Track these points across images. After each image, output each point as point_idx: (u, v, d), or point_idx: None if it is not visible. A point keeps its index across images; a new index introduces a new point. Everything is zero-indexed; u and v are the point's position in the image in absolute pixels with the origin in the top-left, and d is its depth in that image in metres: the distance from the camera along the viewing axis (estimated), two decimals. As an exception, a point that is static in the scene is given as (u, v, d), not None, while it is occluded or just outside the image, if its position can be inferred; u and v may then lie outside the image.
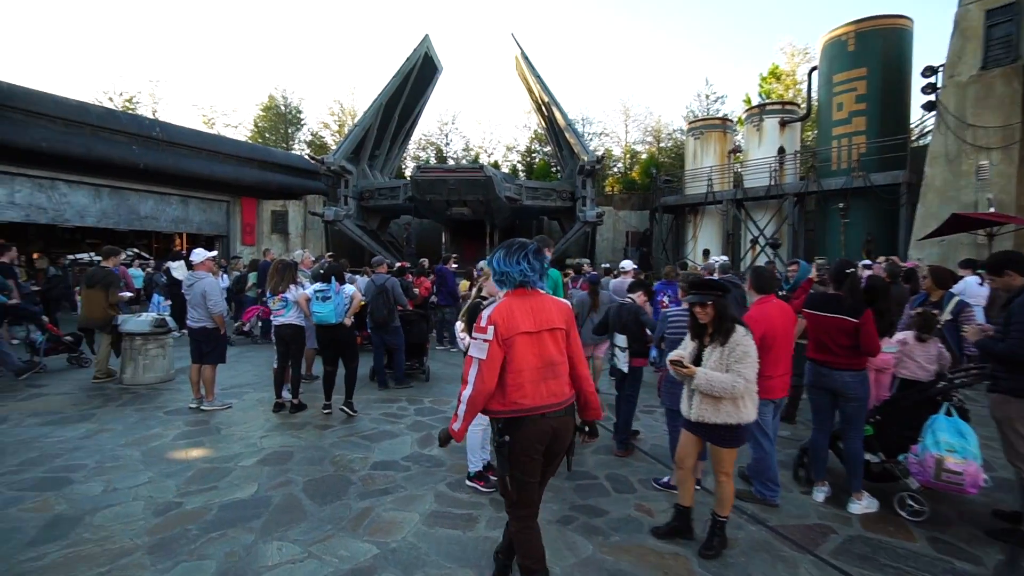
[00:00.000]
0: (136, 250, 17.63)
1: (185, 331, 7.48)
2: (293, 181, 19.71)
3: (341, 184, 19.15)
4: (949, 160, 12.72)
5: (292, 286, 5.45)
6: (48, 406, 5.52)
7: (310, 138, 29.97)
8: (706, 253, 19.92)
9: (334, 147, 29.69)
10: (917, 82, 13.89)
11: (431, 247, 22.01)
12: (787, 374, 3.64)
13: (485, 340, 2.20)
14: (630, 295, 4.71)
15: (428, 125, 32.74)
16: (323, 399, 5.46)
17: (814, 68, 17.05)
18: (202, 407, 5.48)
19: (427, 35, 21.60)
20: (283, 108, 29.08)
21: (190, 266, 5.58)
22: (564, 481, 3.96)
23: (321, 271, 7.79)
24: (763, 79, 27.33)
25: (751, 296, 3.74)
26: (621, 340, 4.48)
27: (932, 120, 15.61)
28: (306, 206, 20.17)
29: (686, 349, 3.14)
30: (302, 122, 29.99)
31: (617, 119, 40.14)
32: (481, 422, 3.70)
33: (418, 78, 21.84)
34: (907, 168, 14.06)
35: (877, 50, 14.90)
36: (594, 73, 56.45)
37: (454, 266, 9.71)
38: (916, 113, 16.35)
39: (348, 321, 5.36)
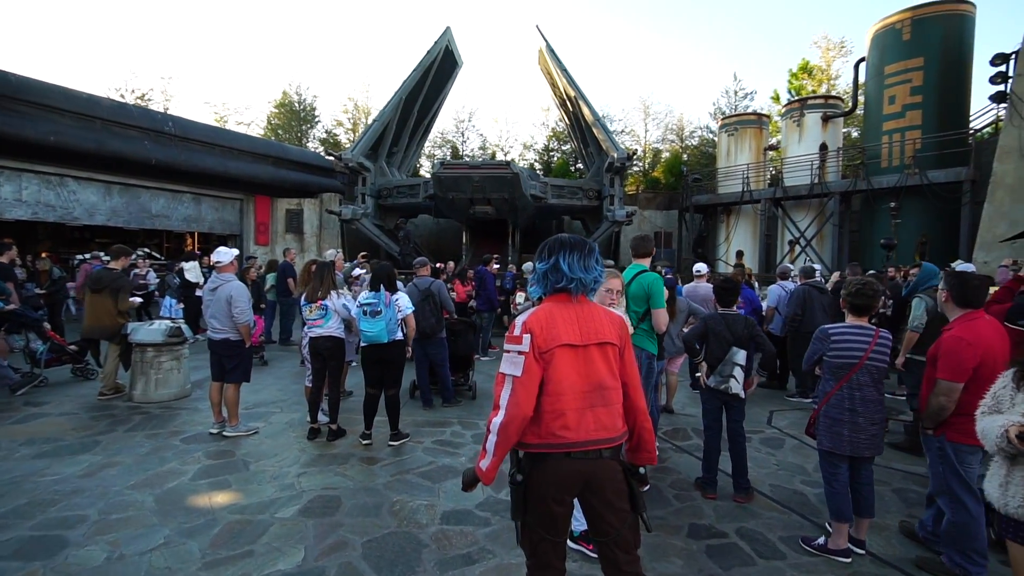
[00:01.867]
0: (147, 250, 16.96)
1: (199, 336, 6.59)
2: (308, 179, 18.95)
3: (358, 182, 18.44)
4: (1022, 155, 11.72)
5: (333, 292, 4.63)
6: (46, 430, 4.72)
7: (324, 136, 29.29)
8: (739, 254, 18.99)
9: (348, 145, 29.09)
10: (980, 72, 13.00)
11: (448, 248, 21.23)
12: (1003, 413, 2.75)
13: (520, 352, 1.76)
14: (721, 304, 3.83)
15: (444, 122, 31.96)
16: (361, 423, 4.62)
17: (862, 59, 16.09)
18: (225, 432, 4.67)
19: (448, 28, 20.83)
20: (297, 105, 28.41)
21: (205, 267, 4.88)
22: (689, 540, 3.11)
23: (353, 274, 7.05)
24: (793, 75, 26.34)
25: (950, 310, 2.86)
26: (740, 357, 3.61)
27: (991, 114, 14.62)
28: (322, 204, 19.47)
29: (1016, 407, 2.08)
30: (316, 119, 29.33)
31: (636, 117, 39.23)
32: None
33: (438, 72, 21.10)
34: (971, 164, 13.06)
35: (936, 38, 13.93)
36: (612, 70, 55.58)
37: (495, 267, 8.85)
38: (976, 105, 15.38)
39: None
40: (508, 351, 1.80)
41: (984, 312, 2.78)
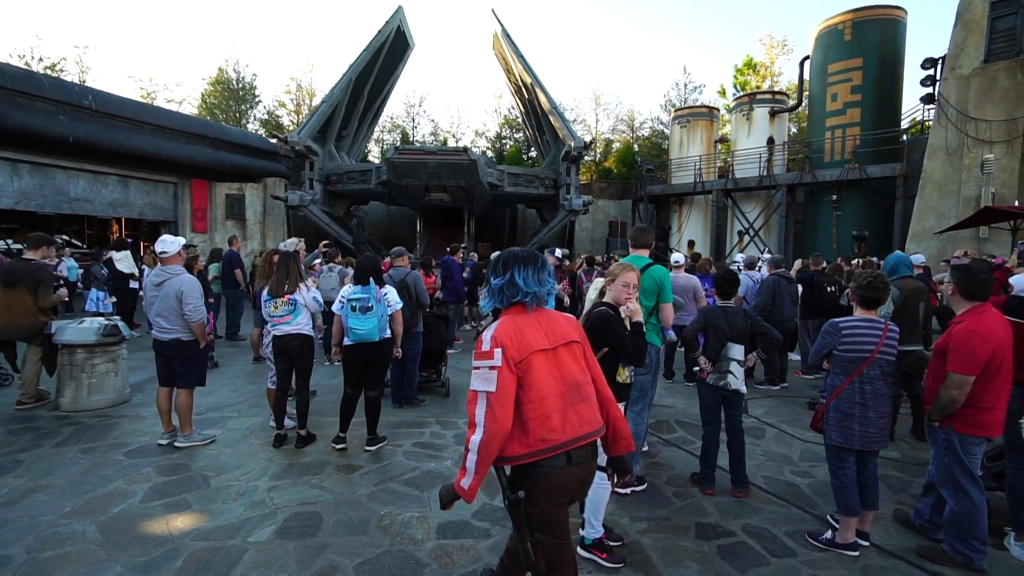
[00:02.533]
0: (66, 237, 15.29)
1: (135, 333, 5.90)
2: (250, 162, 17.71)
3: (305, 166, 17.45)
4: (949, 153, 12.60)
5: (302, 285, 4.18)
6: (-47, 449, 4.03)
7: (266, 117, 27.50)
8: (691, 244, 19.51)
9: (292, 128, 27.48)
10: (910, 74, 13.87)
11: (401, 236, 20.56)
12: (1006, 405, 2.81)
13: (492, 367, 1.73)
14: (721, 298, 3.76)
15: (394, 107, 30.84)
16: (330, 426, 4.25)
17: (806, 57, 16.79)
18: (177, 443, 4.15)
19: (400, 7, 19.97)
20: (235, 84, 26.42)
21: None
22: (699, 541, 3.02)
23: (313, 264, 6.53)
24: (738, 70, 27.26)
25: (957, 303, 2.87)
26: (737, 352, 3.55)
27: (920, 113, 15.68)
28: (266, 190, 18.28)
29: None
30: (257, 100, 27.44)
31: (587, 107, 39.55)
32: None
33: (389, 54, 20.24)
34: (904, 161, 13.95)
35: (873, 40, 14.71)
36: (564, 58, 55.65)
37: (473, 255, 8.47)
38: (907, 106, 16.44)
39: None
40: (478, 367, 1.77)
41: (991, 305, 2.81)
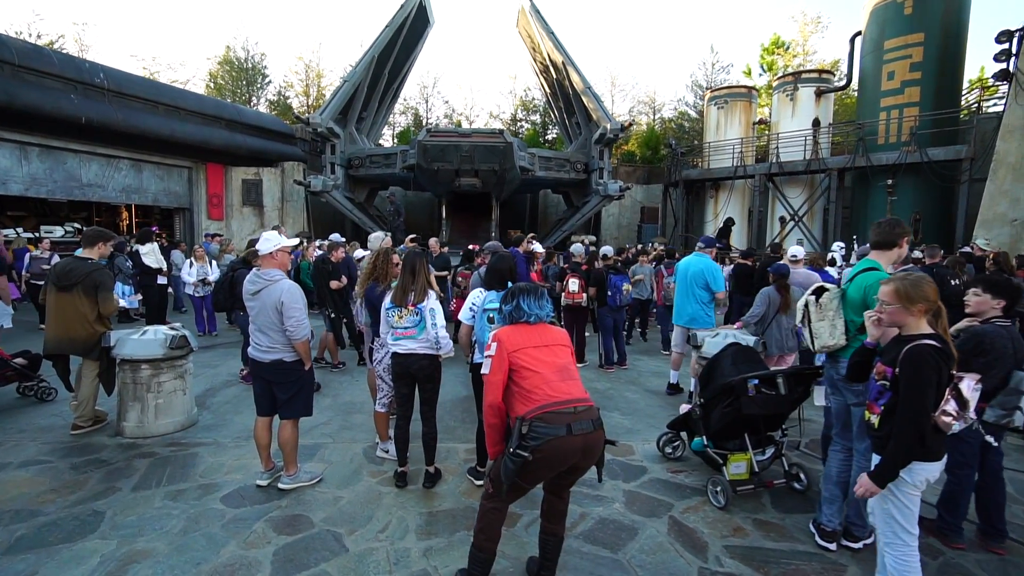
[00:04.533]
0: (77, 225, 14.40)
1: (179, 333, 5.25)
2: (267, 145, 16.78)
3: (327, 150, 16.48)
4: (1025, 134, 11.81)
5: (431, 293, 3.42)
6: (9, 495, 3.29)
7: (275, 99, 26.30)
8: (730, 222, 18.57)
9: (301, 110, 26.35)
10: (974, 50, 13.02)
11: (418, 224, 19.71)
12: None
13: (489, 356, 2.34)
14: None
15: (407, 88, 29.67)
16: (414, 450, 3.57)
17: (858, 33, 15.86)
18: (281, 484, 3.43)
19: (422, -21, 18.81)
20: (246, 63, 25.14)
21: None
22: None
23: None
24: (765, 49, 26.22)
25: None
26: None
27: (976, 93, 14.83)
28: (283, 174, 17.35)
29: None
30: (267, 80, 26.19)
31: (602, 88, 38.34)
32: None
33: (410, 31, 19.12)
34: (972, 142, 13.16)
35: (937, 13, 13.81)
36: (573, 39, 53.97)
37: (538, 248, 7.68)
38: (967, 84, 15.58)
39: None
40: (484, 356, 2.38)
41: None
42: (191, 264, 8.16)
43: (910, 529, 2.20)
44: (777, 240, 16.58)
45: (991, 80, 13.17)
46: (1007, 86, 12.42)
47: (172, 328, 4.44)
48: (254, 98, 25.35)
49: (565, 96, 19.66)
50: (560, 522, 2.50)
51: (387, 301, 3.45)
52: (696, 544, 2.96)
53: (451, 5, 52.21)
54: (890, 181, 14.16)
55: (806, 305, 2.90)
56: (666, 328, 8.50)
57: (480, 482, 3.53)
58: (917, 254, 9.55)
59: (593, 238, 16.90)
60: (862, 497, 2.26)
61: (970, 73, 12.83)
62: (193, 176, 15.64)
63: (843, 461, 2.98)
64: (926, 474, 2.18)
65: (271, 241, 3.38)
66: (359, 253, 7.97)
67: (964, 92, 15.00)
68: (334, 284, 6.30)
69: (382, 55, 17.61)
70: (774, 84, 19.33)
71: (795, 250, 5.89)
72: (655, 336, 8.79)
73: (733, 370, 3.28)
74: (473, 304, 3.38)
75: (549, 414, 2.17)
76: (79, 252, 4.28)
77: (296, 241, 3.53)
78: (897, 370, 2.20)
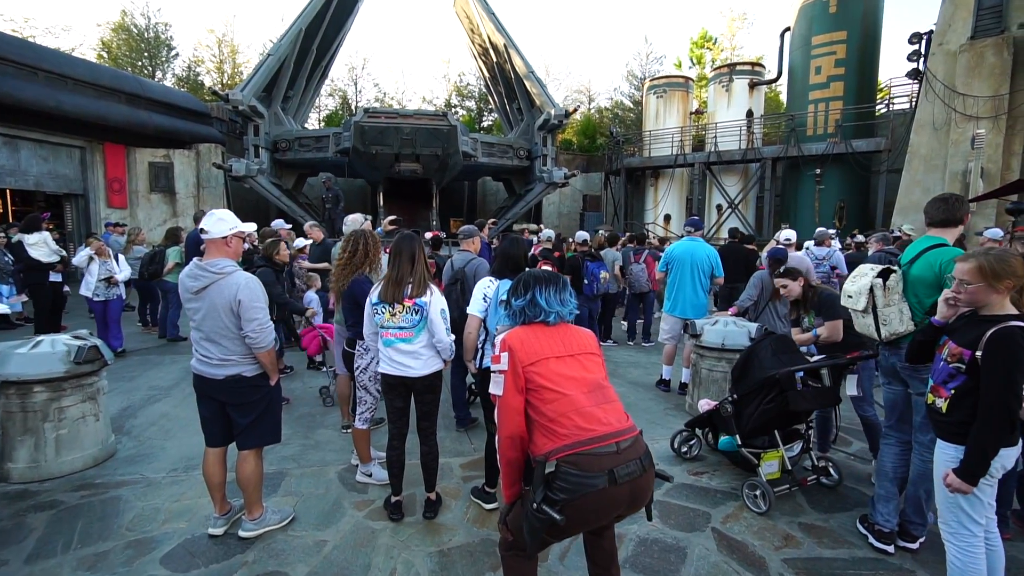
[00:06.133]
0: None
1: (83, 342, 4.38)
2: (178, 124, 14.89)
3: (249, 131, 14.89)
4: (936, 128, 12.83)
5: (432, 286, 2.80)
6: None
7: (185, 73, 23.51)
8: (667, 218, 19.20)
9: (215, 87, 23.80)
10: (888, 49, 14.01)
11: (353, 212, 18.48)
12: None
13: (500, 371, 1.77)
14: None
15: (335, 69, 27.78)
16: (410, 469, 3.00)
17: (787, 29, 16.59)
18: (242, 532, 2.70)
19: (352, -52, 17.43)
20: (147, 32, 22.07)
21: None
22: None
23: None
24: (694, 43, 27.09)
25: None
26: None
27: (896, 88, 16.05)
28: (199, 157, 15.50)
29: None
30: (174, 53, 23.25)
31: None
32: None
33: (340, 4, 17.69)
34: (889, 135, 14.15)
35: (857, 14, 14.68)
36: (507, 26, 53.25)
37: (538, 239, 7.09)
38: (882, 80, 16.79)
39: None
40: (492, 371, 1.81)
41: None
42: (91, 259, 6.49)
43: (977, 519, 2.05)
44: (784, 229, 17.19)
45: (888, 81, 14.19)
46: (918, 84, 13.47)
47: (77, 337, 3.48)
48: (158, 72, 22.48)
49: (506, 80, 19.12)
50: (613, 563, 2.00)
51: (373, 296, 2.79)
52: (753, 561, 2.61)
53: (376, -16, 49.70)
54: (818, 171, 14.98)
55: (871, 290, 2.61)
56: (633, 318, 8.31)
57: (490, 506, 3.00)
58: (860, 238, 10.05)
59: (536, 226, 16.64)
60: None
61: (885, 71, 13.74)
62: (87, 157, 13.52)
63: (899, 455, 2.76)
64: (1004, 461, 2.02)
65: (226, 222, 2.61)
66: (300, 243, 7.09)
67: (879, 89, 16.15)
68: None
69: (310, 28, 16.16)
70: (710, 75, 19.92)
71: (787, 233, 5.80)
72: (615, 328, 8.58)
73: (775, 361, 2.96)
74: (485, 294, 2.81)
75: (583, 456, 1.63)
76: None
77: (253, 225, 2.76)
78: (979, 353, 1.97)
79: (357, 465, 3.38)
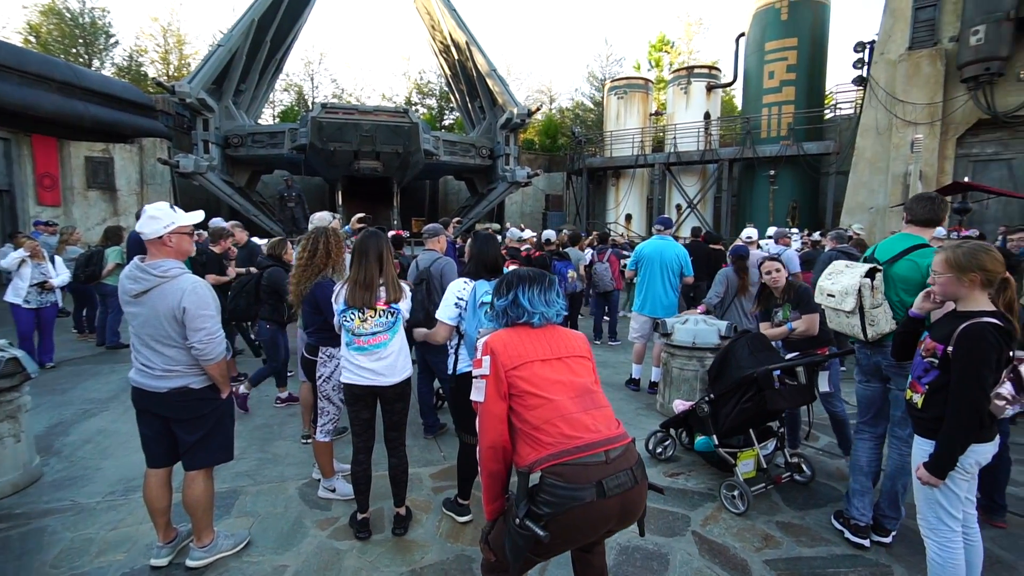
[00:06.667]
0: None
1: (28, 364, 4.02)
2: (118, 116, 13.95)
3: (198, 125, 14.13)
4: (879, 132, 13.50)
5: (405, 287, 2.62)
6: None
7: (127, 63, 22.04)
8: (628, 218, 19.48)
9: (158, 79, 22.48)
10: (834, 57, 14.70)
11: (311, 211, 17.88)
12: None
13: (482, 376, 1.68)
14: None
15: (290, 63, 26.82)
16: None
17: (742, 34, 17.11)
18: (191, 561, 2.44)
19: (307, -63, 16.81)
20: (79, 16, 20.52)
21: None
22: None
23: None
24: (652, 46, 27.65)
25: None
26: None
27: (842, 94, 16.82)
28: (142, 152, 14.58)
29: None
30: (113, 40, 21.73)
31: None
32: None
33: (294, -6, 17.02)
34: (837, 139, 14.80)
35: (807, 22, 15.29)
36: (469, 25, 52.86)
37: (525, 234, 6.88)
38: (828, 87, 17.55)
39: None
40: (474, 376, 1.72)
41: None
42: (23, 262, 5.72)
43: (955, 513, 2.05)
44: (748, 227, 17.47)
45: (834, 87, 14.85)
46: (862, 90, 14.15)
47: (-5, 348, 3.10)
48: (95, 61, 21.00)
49: (468, 78, 18.90)
50: None
51: (339, 302, 2.58)
52: (735, 564, 2.57)
53: (333, -24, 48.38)
54: (772, 172, 15.50)
55: (859, 290, 2.60)
56: (599, 317, 8.30)
57: (464, 519, 2.84)
58: (816, 237, 10.39)
59: (497, 225, 16.54)
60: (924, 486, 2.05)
61: (833, 77, 14.41)
62: (13, 150, 12.46)
63: (872, 450, 2.78)
64: (977, 456, 2.02)
65: (159, 220, 2.34)
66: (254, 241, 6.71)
67: (826, 94, 16.89)
68: (211, 278, 4.99)
69: (264, 19, 15.47)
70: (668, 78, 20.34)
71: (749, 231, 5.88)
72: (584, 326, 8.56)
73: (752, 360, 2.94)
74: (459, 298, 2.64)
75: (568, 466, 1.52)
76: None
77: (200, 215, 2.49)
78: (950, 348, 1.98)
79: (319, 480, 3.16)
